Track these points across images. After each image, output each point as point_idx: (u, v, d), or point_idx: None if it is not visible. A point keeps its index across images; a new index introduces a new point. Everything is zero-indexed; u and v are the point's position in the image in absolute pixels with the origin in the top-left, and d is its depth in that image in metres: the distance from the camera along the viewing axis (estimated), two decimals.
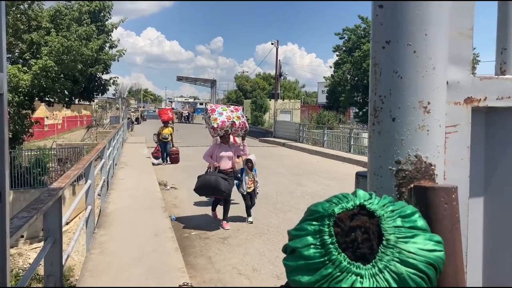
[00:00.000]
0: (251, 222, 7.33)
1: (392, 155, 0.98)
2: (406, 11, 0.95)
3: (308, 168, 14.33)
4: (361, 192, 0.77)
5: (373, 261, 0.67)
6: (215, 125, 7.09)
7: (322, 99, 54.23)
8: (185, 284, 4.20)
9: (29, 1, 17.23)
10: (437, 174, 0.98)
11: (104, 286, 3.97)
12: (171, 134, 14.67)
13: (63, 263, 3.41)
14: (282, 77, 52.03)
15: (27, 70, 16.63)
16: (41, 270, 3.18)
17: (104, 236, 5.64)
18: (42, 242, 3.14)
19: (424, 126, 0.96)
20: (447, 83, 1.04)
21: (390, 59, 0.97)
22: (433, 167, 0.98)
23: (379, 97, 1.00)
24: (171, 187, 10.59)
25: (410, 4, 0.94)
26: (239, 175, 7.46)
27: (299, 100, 51.54)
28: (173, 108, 46.70)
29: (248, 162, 7.42)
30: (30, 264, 12.60)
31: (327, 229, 0.70)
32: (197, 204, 8.57)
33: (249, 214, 7.45)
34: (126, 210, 7.15)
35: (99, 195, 7.37)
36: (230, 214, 7.43)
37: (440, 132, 0.99)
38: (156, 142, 14.94)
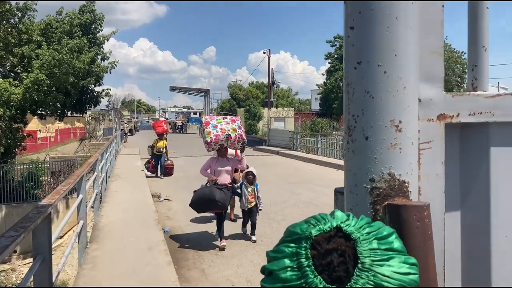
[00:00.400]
0: (255, 241, 6.90)
1: (366, 173, 1.00)
2: (375, 32, 0.97)
3: (302, 176, 14.35)
4: (338, 213, 0.77)
5: (349, 284, 0.67)
6: (209, 140, 6.68)
7: (316, 106, 54.47)
8: None
9: (18, 14, 17.20)
10: (411, 191, 1.00)
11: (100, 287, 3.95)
12: (165, 146, 14.27)
13: (54, 280, 3.39)
14: (275, 85, 52.21)
15: (19, 84, 16.59)
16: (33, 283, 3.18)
17: (97, 250, 5.60)
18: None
19: (396, 144, 0.98)
20: (420, 100, 1.06)
21: (361, 80, 0.99)
22: (406, 184, 1.00)
23: (353, 117, 1.02)
24: (165, 199, 10.55)
25: (380, 25, 0.97)
26: (239, 190, 7.13)
27: (293, 108, 51.64)
28: (166, 119, 46.69)
29: (249, 174, 7.10)
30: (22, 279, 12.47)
31: (304, 252, 0.70)
32: (190, 216, 8.53)
33: (252, 233, 7.04)
34: (119, 223, 7.11)
35: (92, 207, 7.33)
36: (227, 229, 7.21)
37: (412, 150, 1.01)
38: (150, 155, 14.54)
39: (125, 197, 9.50)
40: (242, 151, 7.34)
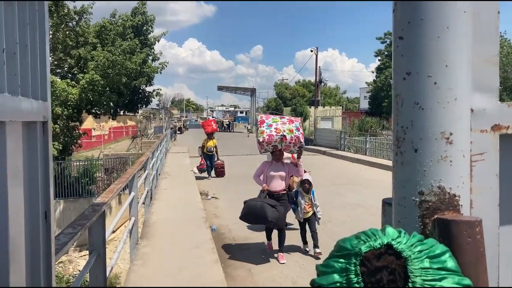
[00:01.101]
0: (319, 254, 6.06)
1: (415, 186, 0.98)
2: (425, 42, 0.95)
3: (349, 177, 14.13)
4: (390, 230, 0.76)
5: None
6: (261, 139, 6.07)
7: (365, 105, 53.44)
8: None
9: (75, 17, 18.02)
10: (461, 205, 0.97)
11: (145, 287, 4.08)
12: (215, 146, 13.97)
13: (107, 275, 3.54)
14: (322, 84, 51.78)
15: (75, 84, 17.45)
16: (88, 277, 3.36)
17: (147, 247, 5.80)
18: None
19: (447, 157, 0.96)
20: (472, 111, 1.03)
21: (411, 91, 0.97)
22: (457, 197, 0.97)
23: (401, 128, 1.00)
24: (212, 197, 10.73)
25: (429, 35, 0.94)
26: (294, 198, 6.47)
27: (340, 107, 50.98)
28: (214, 117, 47.50)
29: (305, 183, 6.37)
30: (79, 271, 13.19)
31: (353, 268, 0.70)
32: (237, 214, 8.60)
33: (315, 245, 6.21)
34: (168, 221, 7.32)
35: (143, 203, 7.59)
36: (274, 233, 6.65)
37: (464, 162, 0.98)
38: (200, 155, 14.29)
39: (174, 194, 9.75)
40: (298, 157, 6.47)
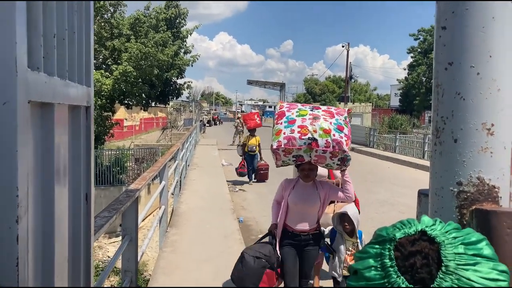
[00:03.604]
0: None
1: (454, 176, 0.99)
2: (469, 32, 0.95)
3: (378, 174, 13.96)
4: (425, 218, 0.78)
5: (432, 286, 0.69)
6: (275, 145, 3.55)
7: (395, 102, 52.49)
8: None
9: (111, 10, 18.39)
10: (501, 197, 0.97)
11: (174, 287, 4.17)
12: (258, 144, 11.58)
13: (139, 259, 3.64)
14: (352, 80, 51.13)
15: (109, 75, 17.81)
16: (118, 263, 3.43)
17: (176, 235, 5.91)
18: (119, 237, 3.40)
19: (487, 148, 0.96)
20: None
21: (452, 81, 0.98)
22: (496, 189, 0.97)
23: (441, 118, 1.01)
24: (239, 189, 10.80)
25: (474, 25, 0.94)
26: (327, 240, 4.07)
27: (370, 104, 50.21)
28: (242, 111, 47.64)
29: (344, 221, 3.92)
30: (108, 257, 13.51)
31: (387, 253, 0.73)
32: (264, 207, 8.66)
33: None
34: (197, 210, 7.43)
35: (172, 194, 7.72)
36: None
37: (504, 154, 0.98)
38: (241, 156, 11.73)
39: (203, 185, 9.88)
40: (342, 172, 3.79)
